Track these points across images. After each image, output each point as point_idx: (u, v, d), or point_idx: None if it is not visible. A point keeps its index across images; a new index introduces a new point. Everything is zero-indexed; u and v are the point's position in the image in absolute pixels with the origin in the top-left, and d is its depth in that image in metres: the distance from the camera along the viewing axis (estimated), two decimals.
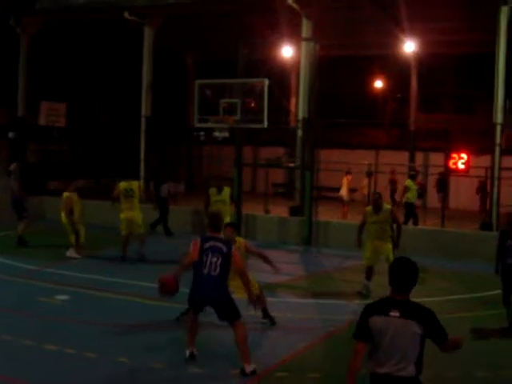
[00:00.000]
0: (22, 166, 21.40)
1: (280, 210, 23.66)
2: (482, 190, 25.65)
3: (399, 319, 5.77)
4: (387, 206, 14.98)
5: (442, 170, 23.92)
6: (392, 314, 5.80)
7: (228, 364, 9.95)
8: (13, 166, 21.08)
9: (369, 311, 5.98)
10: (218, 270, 9.43)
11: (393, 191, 26.39)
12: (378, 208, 14.52)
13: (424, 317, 5.80)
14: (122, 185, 18.10)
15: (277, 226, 22.39)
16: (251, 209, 22.86)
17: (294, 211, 22.67)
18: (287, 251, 20.71)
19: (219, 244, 9.62)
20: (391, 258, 13.92)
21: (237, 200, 21.25)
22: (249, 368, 9.43)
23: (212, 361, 10.08)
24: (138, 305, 13.41)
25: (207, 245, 9.53)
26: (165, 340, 11.23)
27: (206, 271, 9.42)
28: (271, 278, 16.36)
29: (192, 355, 9.81)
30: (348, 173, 24.44)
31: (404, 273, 5.90)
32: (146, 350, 10.43)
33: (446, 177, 25.03)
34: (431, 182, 27.02)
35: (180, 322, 11.61)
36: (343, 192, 24.27)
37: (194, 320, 9.90)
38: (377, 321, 5.85)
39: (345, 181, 24.39)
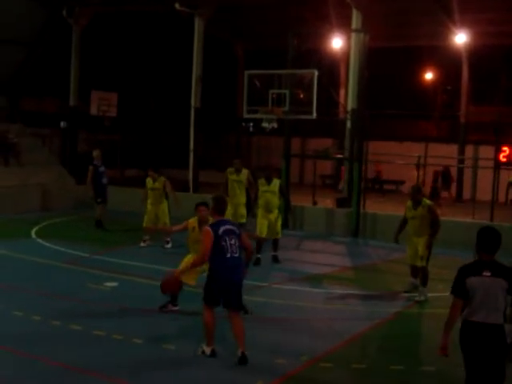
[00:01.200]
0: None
1: (327, 202, 23.65)
2: None
3: (490, 278, 7.01)
4: (426, 201, 14.08)
5: (491, 163, 23.45)
6: (484, 273, 7.04)
7: (276, 354, 10.02)
8: (96, 153, 21.14)
9: (465, 272, 7.17)
10: (237, 251, 9.52)
11: (445, 184, 26.03)
12: (416, 203, 13.82)
13: (509, 275, 7.04)
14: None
15: (324, 218, 22.38)
16: (299, 200, 22.88)
17: (341, 203, 22.63)
18: (334, 242, 20.72)
19: (230, 226, 9.68)
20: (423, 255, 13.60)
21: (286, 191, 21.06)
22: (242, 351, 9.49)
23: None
24: (187, 293, 13.55)
25: (221, 230, 9.51)
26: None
27: (229, 255, 9.43)
28: (316, 269, 16.49)
29: (214, 352, 9.66)
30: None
31: (492, 238, 7.15)
32: (193, 336, 10.55)
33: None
34: (480, 175, 26.72)
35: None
36: None
37: (212, 314, 9.71)
38: (472, 280, 7.07)
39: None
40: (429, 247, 13.65)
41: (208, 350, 9.67)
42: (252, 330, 10.41)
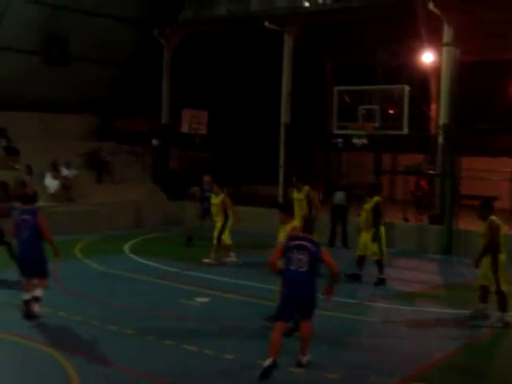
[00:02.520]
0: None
1: (420, 218, 23.31)
2: None
3: None
4: (490, 218, 12.71)
5: None
6: None
7: (366, 372, 9.92)
8: (206, 178, 20.66)
9: None
10: (305, 267, 9.79)
11: None
12: (482, 219, 12.79)
13: None
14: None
15: (416, 235, 22.06)
16: (390, 216, 22.62)
17: (433, 219, 22.27)
18: (426, 260, 20.39)
19: (305, 242, 9.93)
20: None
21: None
22: (305, 359, 9.88)
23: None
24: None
25: (293, 243, 9.92)
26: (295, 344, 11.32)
27: (293, 268, 9.82)
28: (409, 287, 16.25)
29: (275, 363, 9.53)
30: None
31: None
32: (283, 353, 10.52)
33: None
34: None
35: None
36: None
37: (277, 330, 9.76)
38: None
39: None
40: (492, 268, 12.68)
41: (267, 362, 9.48)
42: (342, 349, 10.33)
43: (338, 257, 16.79)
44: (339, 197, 21.83)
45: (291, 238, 10.12)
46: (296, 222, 11.64)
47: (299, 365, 9.83)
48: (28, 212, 12.45)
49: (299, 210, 16.54)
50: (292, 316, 10.07)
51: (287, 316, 9.97)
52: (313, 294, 9.86)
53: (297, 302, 9.80)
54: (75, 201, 24.35)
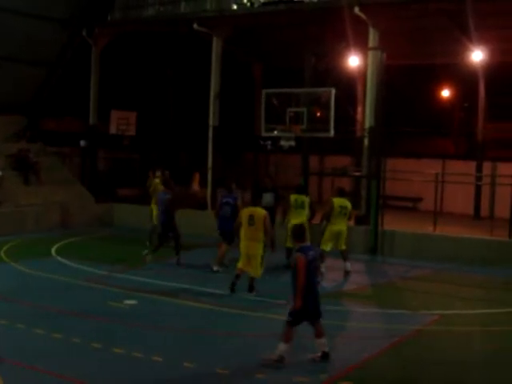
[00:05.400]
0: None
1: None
2: None
3: None
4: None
5: (509, 180, 23.37)
6: None
7: (296, 372, 10.07)
8: (233, 186, 19.71)
9: None
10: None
11: None
12: None
13: None
14: (293, 197, 18.63)
15: None
16: (317, 218, 22.88)
17: (359, 220, 22.62)
18: (353, 260, 20.67)
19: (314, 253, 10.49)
20: None
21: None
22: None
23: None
24: (208, 311, 13.65)
25: (310, 256, 10.27)
26: (231, 345, 11.43)
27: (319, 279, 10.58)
28: (335, 286, 16.51)
29: (282, 358, 10.16)
30: None
31: None
32: (215, 356, 10.60)
33: None
34: (499, 192, 26.63)
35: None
36: None
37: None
38: None
39: None
40: None
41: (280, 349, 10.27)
42: (272, 348, 10.44)
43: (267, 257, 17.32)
44: (267, 199, 21.96)
45: (304, 251, 10.48)
46: None
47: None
48: None
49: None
50: None
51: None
52: None
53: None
54: (1, 203, 23.95)
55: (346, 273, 17.80)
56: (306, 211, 18.54)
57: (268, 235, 14.87)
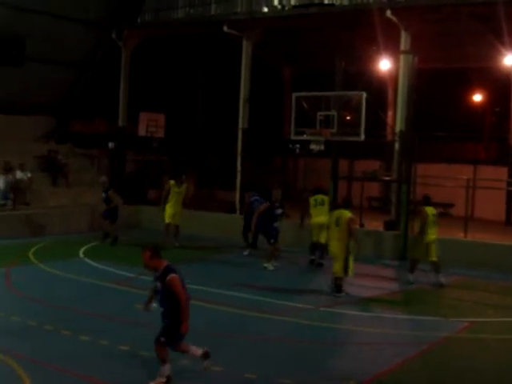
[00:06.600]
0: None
1: (375, 224, 23.40)
2: None
3: None
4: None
5: None
6: None
7: (323, 378, 9.91)
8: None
9: None
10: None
11: None
12: None
13: None
14: (312, 198, 19.27)
15: (372, 240, 22.13)
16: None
17: (389, 225, 22.40)
18: (382, 266, 20.48)
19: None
20: None
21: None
22: None
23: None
24: (229, 314, 13.54)
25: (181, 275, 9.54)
26: (256, 349, 11.29)
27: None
28: (366, 292, 16.31)
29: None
30: None
31: None
32: (239, 359, 10.46)
33: None
34: None
35: None
36: None
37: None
38: None
39: None
40: None
41: None
42: (299, 353, 10.31)
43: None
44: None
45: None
46: None
47: None
48: None
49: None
50: None
51: None
52: None
53: None
54: (29, 204, 24.02)
55: (440, 286, 17.17)
56: (326, 207, 18.92)
57: (353, 236, 15.58)
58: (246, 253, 20.87)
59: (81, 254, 19.85)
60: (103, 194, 22.24)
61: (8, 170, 23.89)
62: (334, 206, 17.72)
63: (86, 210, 25.17)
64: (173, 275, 9.32)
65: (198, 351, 9.64)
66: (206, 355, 9.61)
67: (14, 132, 27.01)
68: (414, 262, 17.65)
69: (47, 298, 14.25)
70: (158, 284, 9.47)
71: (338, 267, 15.63)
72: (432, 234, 17.37)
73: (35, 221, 23.26)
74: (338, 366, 10.56)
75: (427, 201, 17.78)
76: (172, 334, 9.34)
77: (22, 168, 24.31)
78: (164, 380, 9.35)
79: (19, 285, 15.35)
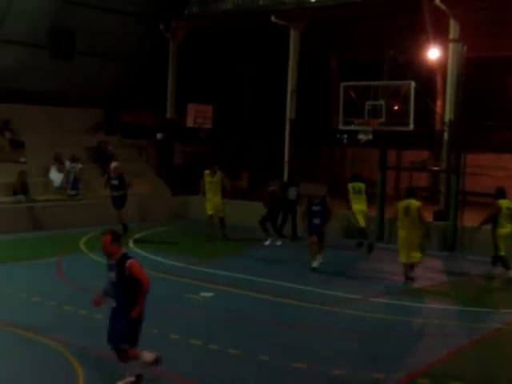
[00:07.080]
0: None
1: (424, 215, 23.19)
2: None
3: None
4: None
5: None
6: None
7: (374, 368, 9.91)
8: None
9: None
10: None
11: None
12: None
13: None
14: (350, 185, 20.35)
15: None
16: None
17: (438, 215, 22.18)
18: (431, 257, 20.30)
19: None
20: None
21: (380, 203, 21.96)
22: None
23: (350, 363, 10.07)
24: (279, 304, 13.58)
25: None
26: (306, 340, 11.32)
27: None
28: (415, 283, 16.21)
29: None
30: None
31: None
32: (288, 349, 10.51)
33: None
34: None
35: None
36: None
37: None
38: None
39: None
40: None
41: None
42: (349, 344, 10.31)
43: (288, 246, 20.31)
44: (291, 192, 22.22)
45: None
46: None
47: None
48: None
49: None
50: None
51: None
52: None
53: None
54: (79, 194, 24.36)
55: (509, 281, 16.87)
56: (364, 196, 20.08)
57: (423, 224, 16.18)
58: (278, 243, 20.84)
59: (130, 244, 20.04)
60: (115, 181, 21.84)
61: (60, 160, 24.26)
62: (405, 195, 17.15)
63: (135, 199, 25.37)
64: (131, 260, 9.23)
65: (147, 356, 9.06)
66: (156, 361, 9.08)
67: (64, 124, 27.38)
68: (504, 258, 17.05)
69: (97, 288, 14.40)
70: (113, 274, 9.25)
71: (415, 254, 15.95)
72: (507, 227, 16.99)
73: (86, 211, 23.60)
74: (389, 356, 10.52)
75: (501, 193, 17.46)
76: (133, 332, 9.09)
77: (74, 159, 24.61)
78: (152, 361, 8.97)
79: (71, 274, 15.58)
